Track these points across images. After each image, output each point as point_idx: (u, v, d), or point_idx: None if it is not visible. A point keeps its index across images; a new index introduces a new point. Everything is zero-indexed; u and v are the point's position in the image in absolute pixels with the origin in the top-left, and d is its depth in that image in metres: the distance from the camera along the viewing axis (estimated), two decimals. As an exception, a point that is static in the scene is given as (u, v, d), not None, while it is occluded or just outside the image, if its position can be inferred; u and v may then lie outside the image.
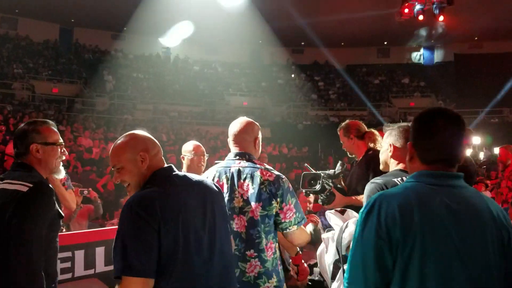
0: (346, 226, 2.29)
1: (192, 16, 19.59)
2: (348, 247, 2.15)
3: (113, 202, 8.13)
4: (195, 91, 22.93)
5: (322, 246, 2.55)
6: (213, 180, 2.32)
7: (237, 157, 2.42)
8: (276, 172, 2.33)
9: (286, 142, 18.14)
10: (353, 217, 2.39)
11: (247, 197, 2.26)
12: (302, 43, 25.79)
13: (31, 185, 1.95)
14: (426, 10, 14.11)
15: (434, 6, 13.78)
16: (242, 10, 18.46)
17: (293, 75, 26.36)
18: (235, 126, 2.54)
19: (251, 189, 2.26)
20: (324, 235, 2.50)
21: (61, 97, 19.59)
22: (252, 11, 18.83)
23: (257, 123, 2.57)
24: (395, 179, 2.20)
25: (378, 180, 2.25)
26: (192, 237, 1.69)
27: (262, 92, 24.24)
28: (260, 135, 2.54)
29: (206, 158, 3.54)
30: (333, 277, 2.34)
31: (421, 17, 14.30)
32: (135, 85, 21.89)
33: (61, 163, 2.27)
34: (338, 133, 3.61)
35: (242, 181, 2.30)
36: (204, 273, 1.72)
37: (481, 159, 13.69)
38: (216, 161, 2.63)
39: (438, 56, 27.03)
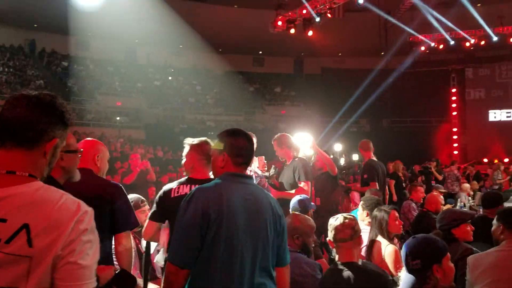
0: None
1: (62, 7, 18.16)
2: None
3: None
4: (62, 88, 21.31)
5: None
6: None
7: None
8: None
9: (161, 145, 17.81)
10: None
11: None
12: (181, 46, 25.62)
13: None
14: (297, 24, 15.13)
15: (303, 21, 14.81)
16: (119, 5, 17.71)
17: (170, 78, 26.03)
18: None
19: None
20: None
21: None
22: (130, 7, 18.18)
23: None
24: None
25: None
26: None
27: (137, 92, 23.48)
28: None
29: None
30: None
31: (292, 31, 15.22)
32: (-10, 78, 19.57)
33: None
34: (273, 143, 4.64)
35: None
36: None
37: (342, 164, 14.94)
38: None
39: (307, 68, 29.02)
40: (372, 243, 3.45)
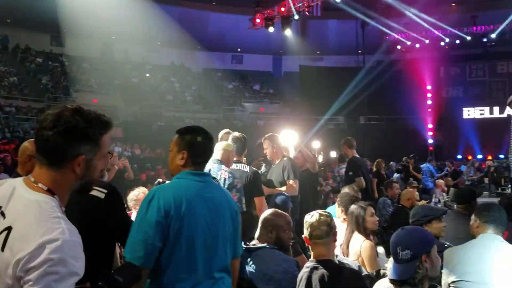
0: None
1: (36, 2, 17.76)
2: None
3: None
4: (36, 85, 20.84)
5: None
6: None
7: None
8: None
9: (138, 143, 17.61)
10: None
11: None
12: (158, 43, 25.35)
13: (106, 191, 2.28)
14: (276, 22, 15.17)
15: (282, 19, 14.84)
16: (95, 0, 17.43)
17: (148, 75, 25.73)
18: None
19: None
20: None
21: None
22: (106, 3, 17.90)
23: None
24: None
25: None
26: None
27: (114, 90, 23.13)
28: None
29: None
30: None
31: (271, 29, 15.23)
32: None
33: None
34: (262, 141, 4.86)
35: None
36: None
37: (320, 161, 15.06)
38: None
39: (286, 66, 29.09)
40: (349, 239, 3.48)
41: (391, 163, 14.11)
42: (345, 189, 4.17)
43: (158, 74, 25.94)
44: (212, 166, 3.65)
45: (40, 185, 1.35)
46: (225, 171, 3.67)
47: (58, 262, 1.20)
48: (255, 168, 4.42)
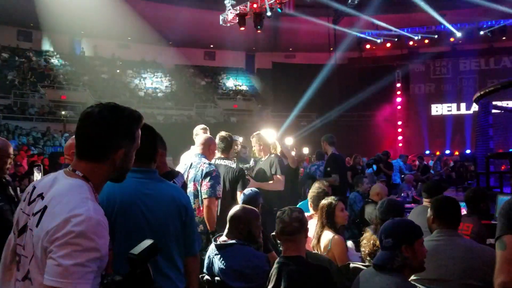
0: None
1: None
2: None
3: None
4: (2, 81, 20.20)
5: None
6: None
7: None
8: None
9: (109, 140, 17.31)
10: None
11: None
12: (129, 38, 24.93)
13: None
14: (248, 18, 15.13)
15: (254, 16, 14.81)
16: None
17: (118, 71, 25.29)
18: None
19: None
20: None
21: None
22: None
23: None
24: None
25: None
26: None
27: (83, 86, 22.64)
28: None
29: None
30: None
31: (243, 26, 15.19)
32: None
33: None
34: (251, 139, 5.29)
35: None
36: None
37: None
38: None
39: (258, 63, 29.12)
40: (319, 234, 3.51)
41: (363, 158, 14.35)
42: (316, 184, 4.20)
43: (128, 70, 25.52)
44: (193, 160, 3.90)
45: (77, 172, 1.47)
46: (204, 163, 3.82)
47: (79, 235, 1.30)
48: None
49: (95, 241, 1.32)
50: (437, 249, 2.54)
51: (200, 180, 3.70)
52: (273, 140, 5.36)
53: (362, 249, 3.21)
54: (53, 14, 18.32)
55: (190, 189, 3.74)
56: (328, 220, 3.50)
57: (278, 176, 4.97)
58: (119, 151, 1.50)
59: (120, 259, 1.87)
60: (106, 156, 1.48)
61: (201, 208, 3.70)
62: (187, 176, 3.80)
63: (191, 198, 3.68)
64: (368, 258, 3.09)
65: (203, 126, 4.82)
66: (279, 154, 5.39)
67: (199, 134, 4.49)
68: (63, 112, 19.99)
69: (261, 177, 5.05)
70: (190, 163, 3.90)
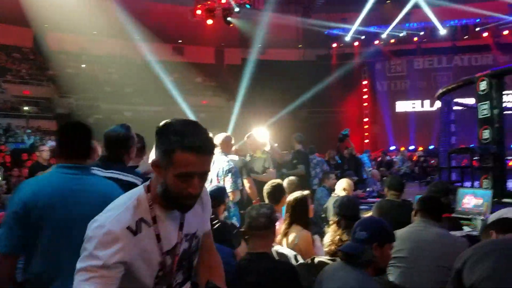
0: None
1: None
2: None
3: None
4: (-40, 75, 19.43)
5: None
6: None
7: None
8: None
9: (74, 136, 16.90)
10: None
11: None
12: (95, 32, 24.36)
13: (142, 180, 2.48)
14: (217, 14, 15.07)
15: (223, 11, 14.77)
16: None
17: (84, 65, 24.68)
18: None
19: None
20: None
21: None
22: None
23: None
24: None
25: None
26: None
27: (48, 81, 22.00)
28: None
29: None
30: None
31: (210, 21, 15.11)
32: None
33: None
34: (246, 139, 5.92)
35: None
36: None
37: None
38: None
39: (228, 58, 29.02)
40: (287, 228, 3.53)
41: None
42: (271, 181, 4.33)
43: (95, 65, 24.95)
44: (216, 159, 4.63)
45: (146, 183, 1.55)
46: (224, 160, 4.69)
47: (88, 239, 1.38)
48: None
49: (98, 249, 1.35)
50: (415, 232, 2.93)
51: (223, 176, 4.59)
52: (264, 139, 6.06)
53: (327, 246, 3.27)
54: (16, 7, 17.70)
55: (214, 183, 4.52)
56: (301, 216, 3.50)
57: (270, 169, 5.76)
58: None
59: (46, 254, 1.98)
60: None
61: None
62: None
63: None
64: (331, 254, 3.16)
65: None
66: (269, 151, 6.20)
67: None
68: (26, 108, 19.39)
69: (257, 171, 5.75)
70: (212, 161, 4.18)
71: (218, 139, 4.78)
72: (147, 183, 1.51)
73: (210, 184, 4.47)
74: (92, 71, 24.66)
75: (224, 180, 4.54)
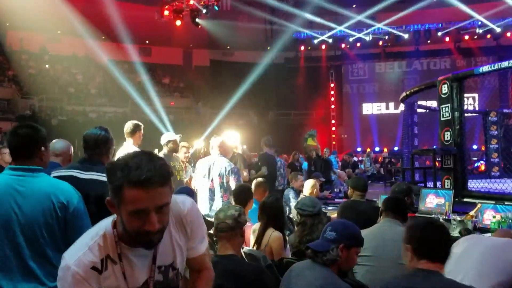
0: None
1: None
2: None
3: None
4: None
5: None
6: None
7: None
8: None
9: (37, 139, 16.38)
10: None
11: None
12: (59, 32, 23.71)
13: None
14: (185, 15, 14.96)
15: (191, 12, 14.68)
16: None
17: (47, 66, 23.97)
18: None
19: None
20: None
21: None
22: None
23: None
24: None
25: None
26: None
27: (9, 82, 21.25)
28: None
29: None
30: None
31: (178, 22, 14.99)
32: None
33: None
34: (218, 144, 5.77)
35: None
36: None
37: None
38: None
39: (196, 60, 28.84)
40: (262, 232, 3.49)
41: (300, 157, 14.75)
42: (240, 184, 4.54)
43: (58, 65, 24.27)
44: (215, 159, 5.14)
45: None
46: (225, 161, 5.17)
47: (59, 279, 1.41)
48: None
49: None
50: (380, 232, 3.09)
51: (226, 176, 5.00)
52: (234, 142, 6.51)
53: (295, 246, 3.33)
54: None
55: (217, 182, 5.00)
56: (277, 219, 3.51)
57: (242, 170, 6.02)
58: None
59: None
60: None
61: (227, 195, 4.95)
62: (208, 171, 5.06)
63: (218, 189, 5.01)
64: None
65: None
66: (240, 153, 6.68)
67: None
68: (-15, 109, 18.68)
69: None
70: (213, 161, 5.14)
71: (215, 142, 5.27)
72: (115, 217, 1.42)
73: (211, 183, 5.02)
74: (55, 71, 23.98)
75: (228, 180, 5.01)
